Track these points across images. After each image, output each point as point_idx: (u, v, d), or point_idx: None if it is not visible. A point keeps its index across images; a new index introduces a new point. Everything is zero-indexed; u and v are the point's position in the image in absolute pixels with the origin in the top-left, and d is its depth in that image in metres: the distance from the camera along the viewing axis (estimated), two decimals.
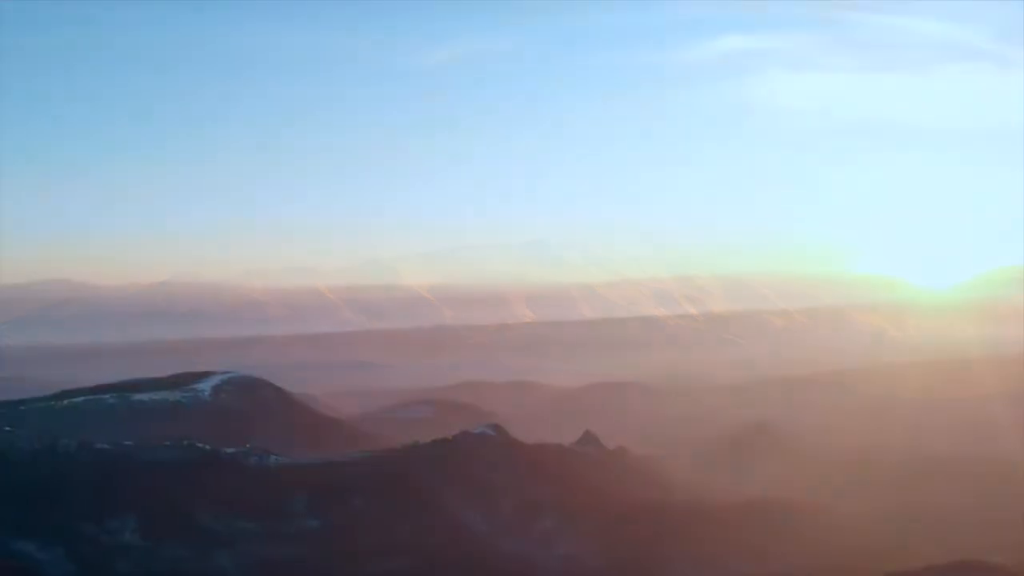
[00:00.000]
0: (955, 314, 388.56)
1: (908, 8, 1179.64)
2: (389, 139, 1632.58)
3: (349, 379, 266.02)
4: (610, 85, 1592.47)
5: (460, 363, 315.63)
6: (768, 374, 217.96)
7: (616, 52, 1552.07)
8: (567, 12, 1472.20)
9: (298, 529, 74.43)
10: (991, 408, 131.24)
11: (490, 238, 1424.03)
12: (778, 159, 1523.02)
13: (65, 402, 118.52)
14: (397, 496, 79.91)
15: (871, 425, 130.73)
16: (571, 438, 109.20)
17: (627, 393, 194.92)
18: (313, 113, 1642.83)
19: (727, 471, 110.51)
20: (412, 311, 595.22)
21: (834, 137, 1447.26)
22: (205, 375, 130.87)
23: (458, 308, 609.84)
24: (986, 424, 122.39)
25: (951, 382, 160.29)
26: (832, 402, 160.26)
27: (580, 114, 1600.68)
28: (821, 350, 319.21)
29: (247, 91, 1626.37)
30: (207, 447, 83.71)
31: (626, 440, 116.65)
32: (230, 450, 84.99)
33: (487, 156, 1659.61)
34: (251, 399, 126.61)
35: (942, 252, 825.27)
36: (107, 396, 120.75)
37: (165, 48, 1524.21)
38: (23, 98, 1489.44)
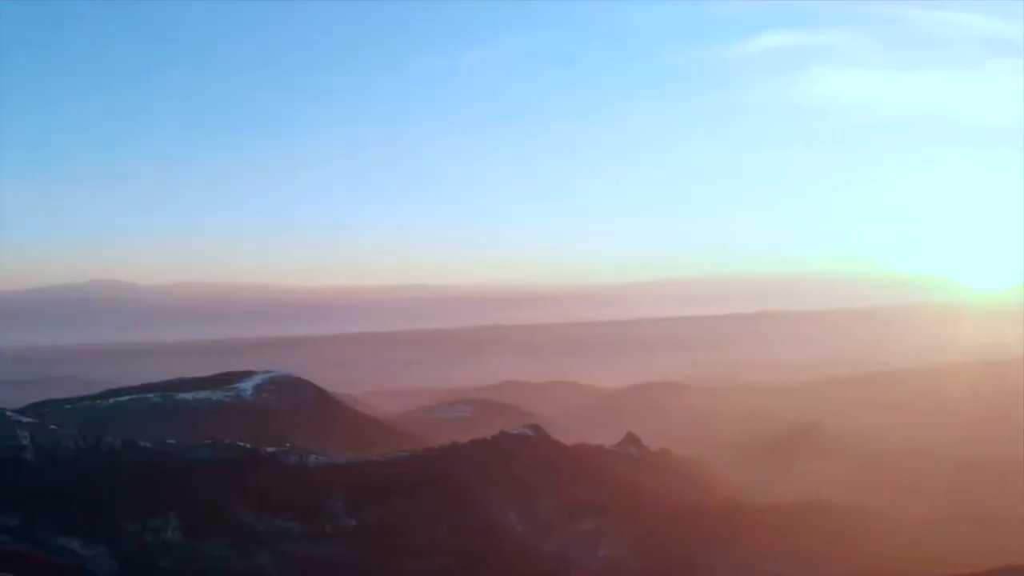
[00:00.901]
0: (1006, 315, 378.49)
1: (956, 3, 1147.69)
2: (424, 138, 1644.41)
3: (389, 379, 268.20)
4: (651, 83, 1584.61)
5: (501, 363, 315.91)
6: (816, 375, 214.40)
7: (658, 50, 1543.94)
8: (610, 9, 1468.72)
9: (337, 528, 75.25)
10: None
11: (531, 237, 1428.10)
12: (824, 157, 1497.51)
13: (111, 401, 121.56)
14: (435, 496, 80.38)
15: (922, 427, 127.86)
16: (613, 439, 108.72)
17: (671, 394, 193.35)
18: (349, 113, 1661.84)
19: (774, 473, 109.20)
20: (452, 310, 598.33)
21: (881, 135, 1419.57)
22: (247, 375, 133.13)
23: (499, 307, 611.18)
24: None
25: (1003, 384, 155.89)
26: (882, 403, 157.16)
27: (621, 112, 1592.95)
28: (869, 351, 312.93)
29: (280, 90, 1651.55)
30: (248, 446, 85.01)
31: (670, 442, 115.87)
32: (270, 449, 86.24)
33: (525, 155, 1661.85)
34: (292, 399, 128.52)
35: (991, 252, 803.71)
36: (151, 395, 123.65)
37: (207, 45, 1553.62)
38: (66, 100, 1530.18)
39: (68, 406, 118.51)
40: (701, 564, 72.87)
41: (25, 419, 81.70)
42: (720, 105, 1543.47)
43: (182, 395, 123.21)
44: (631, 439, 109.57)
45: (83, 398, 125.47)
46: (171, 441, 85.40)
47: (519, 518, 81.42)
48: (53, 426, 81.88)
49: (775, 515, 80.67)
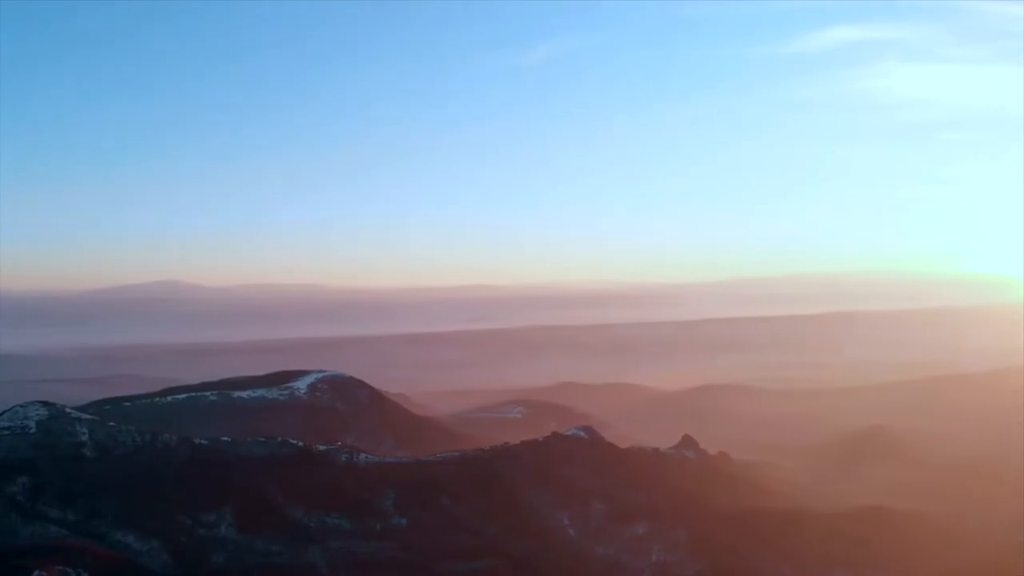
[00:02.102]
0: None
1: None
2: (484, 139, 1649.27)
3: (444, 379, 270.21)
4: (716, 80, 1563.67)
5: (558, 364, 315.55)
6: (885, 377, 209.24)
7: (724, 47, 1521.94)
8: (676, 7, 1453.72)
9: (387, 527, 76.12)
10: None
11: (596, 236, 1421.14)
12: (893, 153, 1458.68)
13: (169, 399, 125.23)
14: (486, 497, 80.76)
15: (993, 431, 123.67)
16: (670, 442, 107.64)
17: (732, 396, 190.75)
18: (407, 115, 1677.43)
19: (839, 478, 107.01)
20: (513, 311, 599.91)
21: (950, 130, 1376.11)
22: (301, 374, 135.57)
23: (559, 308, 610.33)
24: None
25: None
26: (951, 407, 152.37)
27: (684, 110, 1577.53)
28: (940, 352, 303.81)
29: (340, 93, 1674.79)
30: (300, 444, 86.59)
31: (730, 445, 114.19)
32: (322, 447, 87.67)
33: (587, 155, 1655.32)
34: (345, 398, 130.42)
35: None
36: (208, 393, 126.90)
37: (272, 45, 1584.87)
38: (133, 106, 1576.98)
39: (128, 404, 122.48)
40: (754, 570, 71.64)
41: (85, 416, 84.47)
42: (787, 101, 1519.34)
43: (238, 393, 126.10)
44: (688, 442, 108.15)
45: (143, 396, 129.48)
46: (226, 438, 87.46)
47: (570, 521, 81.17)
48: (112, 423, 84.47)
49: (837, 521, 78.83)
